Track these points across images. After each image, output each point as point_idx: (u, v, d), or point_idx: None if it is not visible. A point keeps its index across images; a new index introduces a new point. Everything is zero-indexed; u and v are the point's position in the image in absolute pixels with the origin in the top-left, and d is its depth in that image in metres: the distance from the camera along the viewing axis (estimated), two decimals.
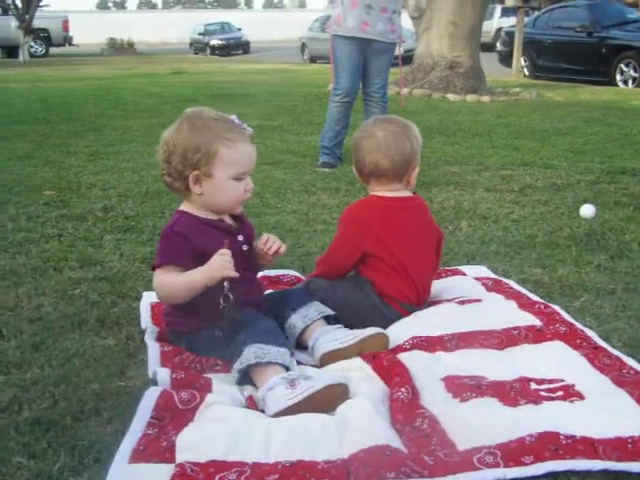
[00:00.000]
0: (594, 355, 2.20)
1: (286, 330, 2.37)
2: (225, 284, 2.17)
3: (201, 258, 2.19)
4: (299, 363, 2.24)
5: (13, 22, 27.10)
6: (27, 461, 1.74)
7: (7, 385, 2.12)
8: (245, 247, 2.37)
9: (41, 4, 28.14)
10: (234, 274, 2.14)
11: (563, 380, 2.05)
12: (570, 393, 1.98)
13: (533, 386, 2.03)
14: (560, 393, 1.98)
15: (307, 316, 2.37)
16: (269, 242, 2.37)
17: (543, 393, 1.98)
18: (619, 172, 5.34)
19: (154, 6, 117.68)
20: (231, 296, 2.18)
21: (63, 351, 2.36)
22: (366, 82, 5.72)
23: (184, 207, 2.35)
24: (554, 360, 2.19)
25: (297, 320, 2.37)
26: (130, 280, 3.03)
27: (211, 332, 2.23)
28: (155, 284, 2.29)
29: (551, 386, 2.03)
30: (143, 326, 2.51)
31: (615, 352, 2.23)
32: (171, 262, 2.25)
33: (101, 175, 5.30)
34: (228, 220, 2.37)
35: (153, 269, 2.32)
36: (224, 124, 2.29)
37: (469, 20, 11.83)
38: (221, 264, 2.14)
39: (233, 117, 2.33)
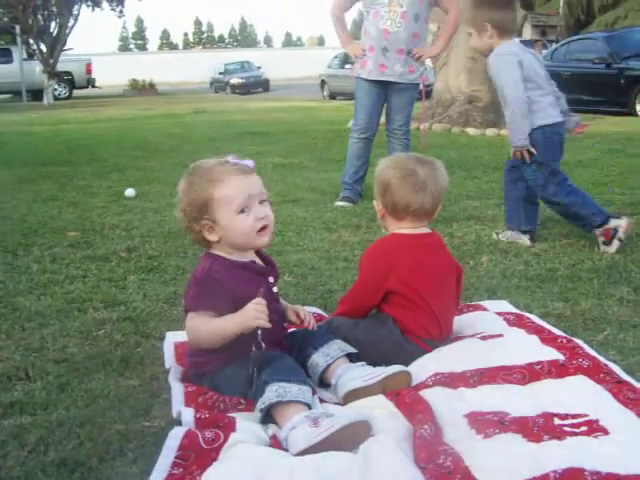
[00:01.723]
0: (618, 389, 2.18)
1: (308, 368, 2.38)
2: (259, 332, 2.19)
3: (236, 302, 2.22)
4: (322, 401, 2.25)
5: (38, 66, 27.70)
6: None
7: (34, 426, 2.14)
8: (275, 289, 2.41)
9: (65, 48, 28.72)
10: (267, 325, 2.17)
11: (587, 415, 2.04)
12: (594, 428, 1.97)
13: (557, 421, 2.02)
14: (584, 428, 1.97)
15: (329, 354, 2.38)
16: (306, 319, 2.43)
17: (567, 428, 1.97)
18: None
19: (175, 47, 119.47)
20: (263, 345, 2.19)
21: (88, 392, 2.38)
22: (389, 119, 5.81)
23: (216, 250, 2.37)
24: (578, 395, 2.17)
25: (319, 358, 2.38)
26: (153, 320, 3.05)
27: (233, 371, 2.24)
28: (188, 328, 2.32)
29: (575, 421, 2.01)
30: (167, 366, 2.53)
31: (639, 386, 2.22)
32: (206, 307, 2.27)
33: (124, 216, 5.36)
34: (257, 261, 2.40)
35: (186, 312, 2.34)
36: (215, 168, 2.33)
37: None
38: (255, 314, 2.16)
39: (229, 157, 2.36)
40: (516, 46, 4.20)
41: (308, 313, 2.47)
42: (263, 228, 2.33)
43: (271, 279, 2.40)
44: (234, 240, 2.33)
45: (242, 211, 2.30)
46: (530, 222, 4.32)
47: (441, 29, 6.02)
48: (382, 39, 5.48)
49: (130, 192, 6.18)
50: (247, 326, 2.18)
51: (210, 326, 2.24)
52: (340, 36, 5.89)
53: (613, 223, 4.04)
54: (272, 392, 2.08)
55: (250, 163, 2.35)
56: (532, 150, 4.14)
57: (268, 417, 2.09)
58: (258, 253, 2.45)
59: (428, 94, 11.95)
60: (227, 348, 2.24)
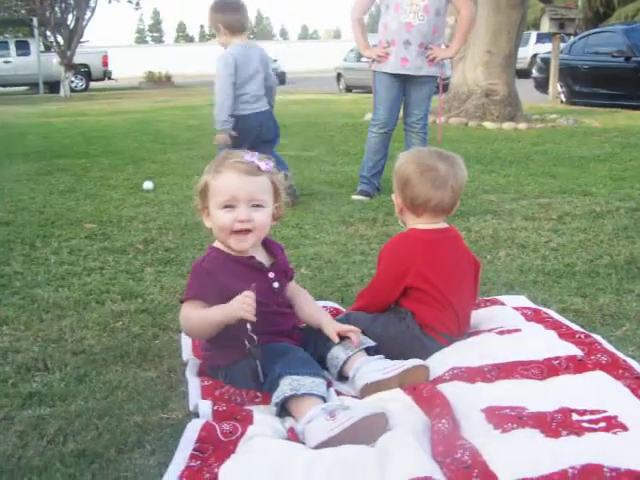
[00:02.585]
0: (637, 385, 2.17)
1: (328, 361, 2.39)
2: (248, 326, 2.20)
3: (227, 295, 2.23)
4: (339, 394, 2.25)
5: (55, 58, 27.78)
6: None
7: (52, 417, 2.16)
8: (276, 285, 2.40)
9: (82, 40, 28.79)
10: (251, 318, 2.18)
11: (605, 411, 2.02)
12: (613, 424, 1.95)
13: (575, 417, 2.01)
14: (603, 424, 1.96)
15: (349, 347, 2.38)
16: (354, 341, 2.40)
17: (585, 424, 1.96)
18: None
19: (191, 39, 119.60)
20: (256, 338, 2.21)
21: (106, 383, 2.40)
22: (407, 113, 5.79)
23: (217, 242, 2.40)
24: (596, 391, 2.16)
25: (339, 352, 2.38)
26: (171, 312, 3.06)
27: (248, 365, 2.25)
28: (180, 316, 2.37)
29: (593, 417, 2.00)
30: (185, 358, 2.54)
31: None
32: (196, 297, 2.31)
33: (141, 208, 5.38)
34: (260, 256, 2.40)
35: (182, 301, 2.38)
36: (225, 159, 2.36)
37: (504, 48, 11.84)
38: (240, 305, 2.18)
39: (248, 155, 2.36)
40: (241, 47, 5.16)
41: (352, 330, 2.42)
42: (241, 231, 2.32)
43: (271, 275, 2.39)
44: (216, 234, 2.37)
45: (226, 207, 2.30)
46: None
47: (455, 28, 5.98)
48: (404, 32, 5.46)
49: (148, 185, 6.20)
50: (232, 315, 2.20)
51: (199, 315, 2.28)
52: (359, 42, 5.87)
53: None
54: (286, 385, 2.08)
55: (262, 164, 2.34)
56: (233, 133, 5.11)
57: (284, 410, 2.10)
58: (266, 247, 2.46)
59: (445, 88, 11.96)
60: (237, 342, 2.25)
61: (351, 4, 5.76)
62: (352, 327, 2.42)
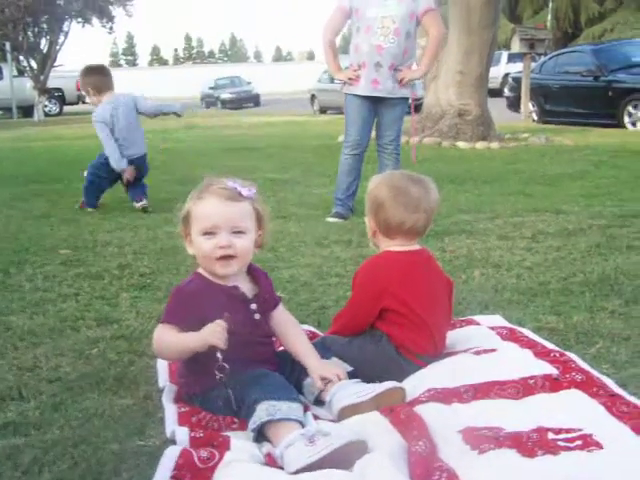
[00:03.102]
0: (612, 403, 2.19)
1: (304, 387, 2.39)
2: (218, 354, 2.20)
3: (204, 323, 2.22)
4: (316, 418, 2.25)
5: (28, 83, 27.70)
6: None
7: (27, 446, 2.14)
8: (257, 316, 2.40)
9: (55, 64, 28.74)
10: (222, 345, 2.17)
11: (581, 429, 2.04)
12: (588, 442, 1.97)
13: (551, 436, 2.02)
14: (578, 442, 1.97)
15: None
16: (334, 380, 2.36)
17: (561, 443, 1.97)
18: (631, 215, 5.35)
19: (165, 62, 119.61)
20: (227, 366, 2.21)
21: (82, 411, 2.37)
22: (379, 134, 5.82)
23: (201, 269, 2.39)
24: (571, 409, 2.18)
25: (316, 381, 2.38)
26: (147, 338, 3.03)
27: (223, 392, 2.24)
28: (154, 337, 2.36)
29: (569, 435, 2.02)
30: (161, 385, 2.53)
31: (633, 399, 2.22)
32: (173, 322, 2.31)
33: (116, 233, 5.36)
34: (244, 285, 2.40)
35: (159, 322, 2.38)
36: (207, 185, 2.36)
37: (476, 69, 11.98)
38: (210, 332, 2.18)
39: (230, 181, 2.37)
40: (108, 104, 6.18)
41: (337, 374, 2.37)
42: (224, 257, 2.32)
43: (253, 306, 2.39)
44: (200, 261, 2.37)
45: (207, 233, 2.31)
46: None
47: (424, 49, 6.04)
48: (375, 54, 5.51)
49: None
50: (202, 343, 2.20)
51: (171, 339, 2.29)
52: (330, 64, 5.92)
53: None
54: (262, 410, 2.08)
55: (244, 191, 2.34)
56: (131, 169, 6.26)
57: (261, 436, 2.10)
58: (251, 275, 2.45)
59: (418, 108, 12.05)
60: (213, 369, 2.24)
61: (323, 26, 5.80)
62: (338, 371, 2.38)
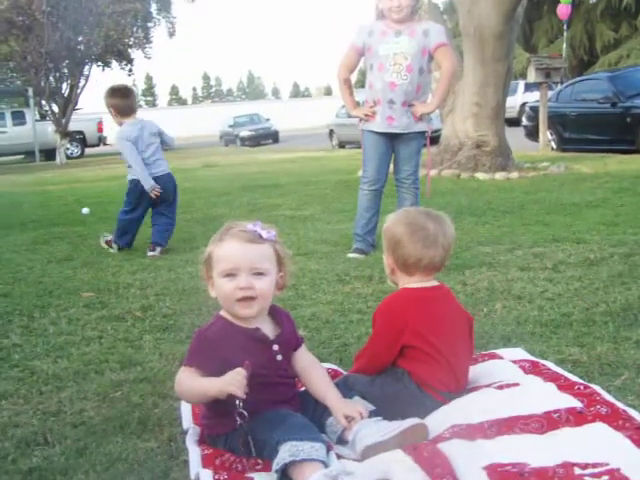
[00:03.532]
0: (638, 436, 2.17)
1: (327, 427, 2.38)
2: (237, 402, 2.21)
3: (227, 367, 2.23)
4: (339, 457, 2.24)
5: (50, 127, 28.16)
6: None
7: None
8: (279, 357, 2.40)
9: (76, 108, 29.20)
10: (241, 395, 2.18)
11: (608, 464, 2.02)
12: (616, 477, 1.95)
13: (577, 471, 2.00)
14: (606, 478, 1.95)
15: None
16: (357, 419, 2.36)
17: (588, 478, 1.95)
18: None
19: (184, 102, 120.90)
20: (245, 413, 2.21)
21: (107, 455, 2.39)
22: (397, 169, 5.85)
23: (223, 311, 2.41)
24: (597, 443, 2.15)
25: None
26: (170, 380, 3.03)
27: (239, 440, 2.24)
28: (176, 380, 2.37)
29: (595, 470, 1.99)
30: (185, 427, 2.53)
31: None
32: (195, 365, 2.32)
33: (138, 274, 5.40)
34: (266, 327, 2.41)
35: (182, 364, 2.40)
36: (228, 228, 2.40)
37: (492, 100, 12.01)
38: (230, 380, 2.19)
39: (251, 224, 2.39)
40: (133, 125, 6.33)
41: (361, 412, 2.37)
42: (244, 299, 2.33)
43: (275, 347, 2.39)
44: (221, 302, 2.39)
45: (227, 275, 2.32)
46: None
47: (437, 83, 6.08)
48: (388, 91, 5.55)
49: (85, 210, 8.32)
50: (221, 391, 2.21)
51: (192, 383, 2.30)
52: (347, 102, 5.97)
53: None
54: (285, 452, 2.08)
55: (264, 233, 2.36)
56: (158, 187, 6.32)
57: (285, 477, 2.09)
58: (273, 316, 2.47)
59: (435, 140, 12.09)
60: (235, 412, 2.25)
61: (338, 64, 5.86)
62: (361, 409, 2.38)
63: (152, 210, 6.50)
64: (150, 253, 6.20)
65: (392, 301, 2.64)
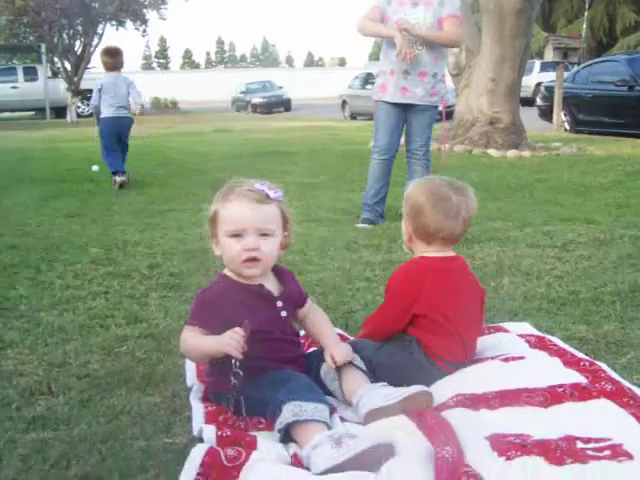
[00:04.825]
0: None
1: (323, 376, 2.43)
2: (233, 361, 2.21)
3: (230, 324, 2.23)
4: (343, 420, 2.25)
5: (62, 84, 28.02)
6: None
7: (56, 441, 2.16)
8: (284, 313, 2.40)
9: (89, 66, 29.06)
10: (237, 355, 2.18)
11: (610, 439, 2.01)
12: (618, 452, 1.94)
13: (579, 445, 2.00)
14: (607, 452, 1.95)
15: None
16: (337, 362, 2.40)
17: (590, 452, 1.95)
18: None
19: (197, 66, 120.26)
20: (241, 373, 2.22)
21: (110, 408, 2.39)
22: (409, 140, 5.83)
23: (226, 270, 2.40)
24: (601, 419, 2.15)
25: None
26: (175, 338, 3.04)
27: (250, 392, 2.25)
28: (180, 338, 2.38)
29: (598, 445, 1.99)
30: (189, 384, 2.54)
31: None
32: (197, 324, 2.33)
33: (146, 233, 5.40)
34: (270, 284, 2.40)
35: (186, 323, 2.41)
36: (233, 187, 2.36)
37: (508, 77, 11.92)
38: (227, 340, 2.19)
39: (258, 183, 2.36)
40: (109, 77, 8.17)
41: (346, 358, 2.41)
42: (250, 259, 2.32)
43: (280, 303, 2.40)
44: (226, 262, 2.38)
45: (235, 235, 2.31)
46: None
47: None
48: (403, 62, 5.49)
49: (95, 168, 8.99)
50: (219, 350, 2.21)
51: (194, 342, 2.31)
52: (382, 32, 5.66)
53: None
54: (289, 411, 2.08)
55: (271, 193, 2.34)
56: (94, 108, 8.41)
57: (287, 436, 2.10)
58: (277, 275, 2.46)
59: (449, 115, 12.01)
60: (242, 369, 2.25)
61: (357, 25, 5.74)
62: (349, 357, 2.42)
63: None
64: (119, 179, 7.97)
65: (409, 268, 2.60)
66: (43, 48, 28.45)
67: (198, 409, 2.31)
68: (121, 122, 8.21)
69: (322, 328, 2.55)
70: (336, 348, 2.44)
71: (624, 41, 32.61)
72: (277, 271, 2.48)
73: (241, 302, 2.33)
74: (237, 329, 2.20)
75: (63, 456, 2.07)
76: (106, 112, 8.13)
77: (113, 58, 8.19)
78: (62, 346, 3.01)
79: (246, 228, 2.30)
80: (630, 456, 1.91)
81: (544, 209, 6.21)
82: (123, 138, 8.35)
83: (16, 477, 1.96)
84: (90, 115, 30.15)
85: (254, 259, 2.32)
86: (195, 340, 2.31)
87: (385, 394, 2.27)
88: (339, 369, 2.40)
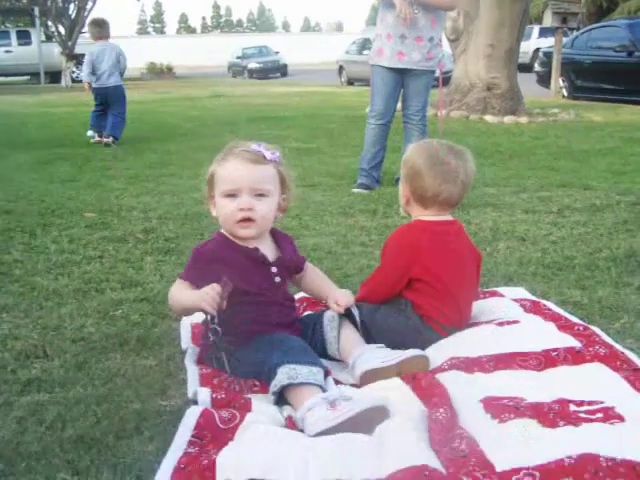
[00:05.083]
0: (635, 377, 2.17)
1: (324, 321, 2.45)
2: (209, 317, 2.22)
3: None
4: (337, 382, 2.26)
5: (56, 48, 27.73)
6: (71, 477, 1.78)
7: (51, 403, 2.17)
8: (277, 279, 2.40)
9: (83, 31, 28.72)
10: (211, 311, 2.18)
11: (603, 402, 2.02)
12: (610, 415, 1.96)
13: (572, 407, 2.01)
14: (600, 415, 1.96)
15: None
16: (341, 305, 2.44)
17: (582, 415, 1.96)
18: None
19: (193, 31, 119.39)
20: (219, 329, 2.22)
21: (105, 370, 2.40)
22: (405, 105, 5.80)
23: (224, 230, 2.40)
24: (594, 382, 2.16)
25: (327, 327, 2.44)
26: None
27: (245, 355, 2.26)
28: (169, 291, 2.40)
29: (590, 408, 2.00)
30: (184, 347, 2.54)
31: None
32: (188, 278, 2.34)
33: (141, 197, 5.38)
34: (266, 248, 2.40)
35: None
36: (231, 148, 2.37)
37: (506, 42, 11.83)
38: (202, 296, 2.19)
39: (255, 144, 2.36)
40: (98, 46, 8.70)
41: (349, 301, 2.47)
42: (244, 220, 2.32)
43: (274, 269, 2.39)
44: (221, 223, 2.38)
45: (230, 195, 2.31)
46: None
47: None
48: (400, 26, 5.44)
49: (91, 133, 8.88)
50: (195, 304, 2.23)
51: (179, 295, 2.33)
52: None
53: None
54: (283, 374, 2.09)
55: (268, 154, 2.34)
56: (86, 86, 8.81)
57: (282, 399, 2.11)
58: (275, 239, 2.46)
59: (446, 81, 11.93)
60: (233, 332, 2.26)
61: None
62: (350, 300, 2.47)
63: (109, 112, 8.75)
64: (106, 140, 8.48)
65: (405, 231, 2.60)
66: (36, 11, 28.09)
67: (193, 372, 2.32)
68: (109, 90, 8.69)
69: (321, 282, 2.61)
70: (339, 292, 2.49)
71: (625, 5, 32.32)
72: (275, 235, 2.48)
73: (234, 262, 2.32)
74: (214, 285, 2.19)
75: (58, 418, 2.07)
76: (97, 80, 8.63)
77: (101, 28, 8.74)
78: (57, 310, 3.01)
79: (241, 188, 2.30)
80: (622, 418, 1.92)
81: (540, 175, 6.20)
82: (115, 105, 8.75)
83: (12, 439, 1.97)
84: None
85: (248, 219, 2.31)
86: (178, 294, 2.33)
87: (382, 356, 2.28)
88: (340, 320, 2.43)
